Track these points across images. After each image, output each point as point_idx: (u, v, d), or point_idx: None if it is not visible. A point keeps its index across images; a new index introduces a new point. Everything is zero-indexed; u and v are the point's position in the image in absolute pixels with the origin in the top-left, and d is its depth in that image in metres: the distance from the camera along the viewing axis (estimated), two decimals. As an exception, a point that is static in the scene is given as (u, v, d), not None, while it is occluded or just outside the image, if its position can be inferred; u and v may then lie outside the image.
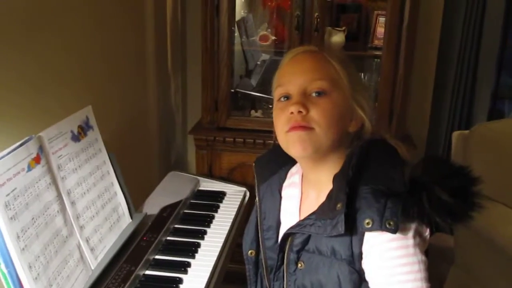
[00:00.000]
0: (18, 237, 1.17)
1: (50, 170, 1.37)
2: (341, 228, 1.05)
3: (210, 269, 1.61)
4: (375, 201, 1.03)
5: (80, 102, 1.63)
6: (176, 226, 1.84)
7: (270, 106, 2.77)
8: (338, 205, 1.06)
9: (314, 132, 1.12)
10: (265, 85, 2.87)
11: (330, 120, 1.13)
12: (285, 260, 1.23)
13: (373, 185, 1.04)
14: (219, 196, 2.10)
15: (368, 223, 1.02)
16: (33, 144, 1.30)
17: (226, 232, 1.83)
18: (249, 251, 1.31)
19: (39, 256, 1.23)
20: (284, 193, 1.28)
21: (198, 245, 1.72)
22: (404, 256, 1.02)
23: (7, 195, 1.17)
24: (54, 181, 1.37)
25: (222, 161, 2.67)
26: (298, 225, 1.17)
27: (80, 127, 1.55)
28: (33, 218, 1.24)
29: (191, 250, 1.69)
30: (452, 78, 2.91)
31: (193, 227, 1.84)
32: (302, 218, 1.19)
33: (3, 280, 1.13)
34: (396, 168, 1.06)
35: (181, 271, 1.58)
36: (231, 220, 1.92)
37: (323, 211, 1.12)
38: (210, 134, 2.63)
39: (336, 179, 1.13)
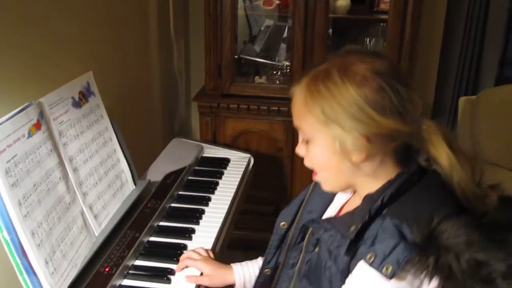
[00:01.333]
0: (20, 204, 1.16)
1: (51, 137, 1.35)
2: (342, 252, 1.04)
3: (214, 235, 1.60)
4: (387, 238, 0.97)
5: (81, 68, 1.60)
6: (180, 192, 1.83)
7: (274, 72, 2.75)
8: (352, 228, 1.03)
9: (319, 176, 1.14)
10: (269, 51, 2.84)
11: (322, 166, 1.11)
12: (305, 240, 1.23)
13: (396, 221, 0.98)
14: (223, 162, 2.08)
15: (370, 258, 0.99)
16: (33, 110, 1.28)
17: (230, 198, 1.82)
18: (282, 223, 1.29)
19: (41, 223, 1.22)
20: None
21: (203, 211, 1.72)
22: None
23: (8, 161, 1.15)
24: (55, 148, 1.36)
25: (226, 128, 2.65)
26: (316, 222, 1.16)
27: (81, 93, 1.52)
28: (34, 185, 1.23)
29: (196, 216, 1.68)
30: (459, 43, 2.87)
31: (197, 193, 1.83)
32: (336, 215, 1.18)
33: (5, 247, 1.12)
34: (432, 213, 0.97)
35: (186, 237, 1.57)
36: (236, 187, 1.91)
37: (341, 222, 1.09)
38: (214, 100, 2.61)
39: (365, 200, 1.08)
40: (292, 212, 1.29)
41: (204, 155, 2.16)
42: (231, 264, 1.44)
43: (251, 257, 1.45)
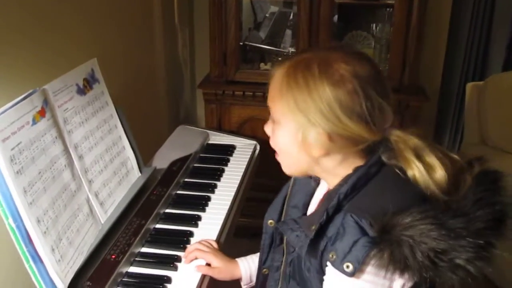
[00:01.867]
0: (25, 191, 1.15)
1: (55, 124, 1.34)
2: (303, 251, 1.04)
3: (220, 222, 1.60)
4: (347, 235, 0.97)
5: (84, 56, 1.59)
6: (186, 180, 1.83)
7: (280, 58, 2.73)
8: (312, 227, 1.03)
9: (279, 157, 1.13)
10: (274, 37, 2.82)
11: (283, 151, 1.11)
12: (284, 241, 1.23)
13: (355, 217, 0.97)
14: (229, 149, 2.07)
15: (332, 256, 0.99)
16: (38, 97, 1.28)
17: (236, 185, 1.81)
18: (270, 221, 1.28)
19: (47, 210, 1.21)
20: (322, 180, 1.24)
21: (209, 198, 1.71)
22: None
23: (12, 149, 1.14)
24: (60, 135, 1.35)
25: (232, 115, 2.64)
26: (285, 223, 1.15)
27: (85, 80, 1.51)
28: (40, 172, 1.22)
29: (201, 203, 1.67)
30: (467, 28, 2.83)
31: (203, 180, 1.83)
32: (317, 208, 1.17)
33: (11, 235, 1.12)
34: (386, 206, 0.96)
35: (192, 224, 1.57)
36: (242, 174, 1.90)
37: (306, 221, 1.08)
38: (219, 87, 2.60)
39: (324, 198, 1.09)
40: (277, 209, 1.28)
41: (210, 142, 2.15)
42: (236, 259, 1.43)
43: (257, 244, 1.44)
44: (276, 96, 1.06)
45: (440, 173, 0.99)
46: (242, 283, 1.43)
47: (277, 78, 1.06)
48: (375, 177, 1.04)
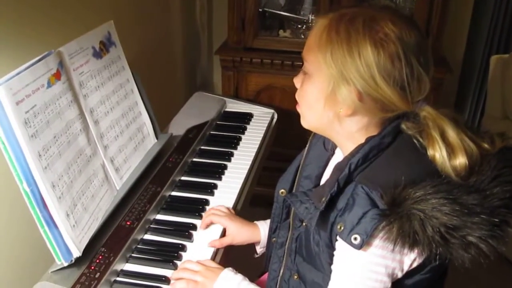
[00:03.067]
0: (40, 155, 1.13)
1: (71, 87, 1.31)
2: (313, 223, 1.02)
3: (236, 191, 1.57)
4: (356, 206, 0.94)
5: (100, 19, 1.54)
6: (202, 147, 1.80)
7: (299, 26, 2.67)
8: (322, 199, 1.00)
9: (301, 109, 1.11)
10: (294, 4, 2.75)
11: (307, 104, 1.08)
12: (291, 216, 1.21)
13: (367, 188, 0.95)
14: (246, 117, 2.04)
15: (340, 228, 0.96)
16: (53, 59, 1.24)
17: (253, 154, 1.79)
18: (281, 190, 1.26)
19: (62, 175, 1.19)
20: (337, 150, 1.21)
21: (225, 167, 1.69)
22: (358, 272, 0.97)
23: (27, 112, 1.12)
24: (75, 99, 1.32)
25: (249, 82, 2.60)
26: (294, 195, 1.13)
27: (102, 43, 1.48)
28: (55, 137, 1.20)
29: (218, 172, 1.65)
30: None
31: (219, 148, 1.80)
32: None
33: (26, 199, 1.11)
34: (399, 178, 0.93)
35: (208, 192, 1.55)
36: (259, 142, 1.87)
37: (316, 194, 1.06)
38: (237, 54, 2.55)
39: (334, 169, 1.05)
40: (289, 179, 1.26)
41: (227, 109, 2.12)
42: (256, 222, 1.41)
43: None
44: (313, 46, 1.03)
45: (461, 160, 0.95)
46: (258, 247, 1.41)
47: (318, 28, 1.02)
48: (389, 147, 1.01)
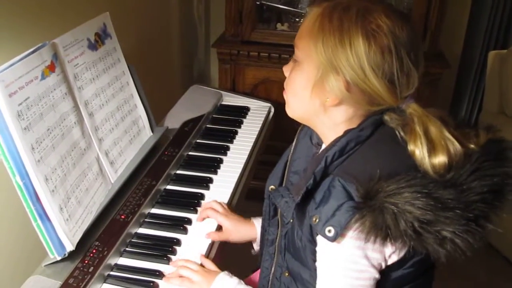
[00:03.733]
0: (33, 148, 1.12)
1: (65, 79, 1.30)
2: (289, 216, 1.03)
3: (232, 185, 1.57)
4: (332, 199, 0.94)
5: (96, 10, 1.53)
6: (198, 141, 1.79)
7: (297, 19, 2.65)
8: (300, 192, 1.00)
9: (287, 97, 1.10)
10: (292, -3, 2.74)
11: (294, 91, 1.07)
12: (278, 212, 1.20)
13: (343, 180, 0.94)
14: (243, 111, 2.03)
15: (315, 220, 0.96)
16: (47, 50, 1.23)
17: (249, 148, 1.78)
18: (271, 186, 1.25)
19: (55, 169, 1.18)
20: (323, 144, 1.20)
21: (221, 160, 1.68)
22: (339, 265, 0.97)
23: (20, 104, 1.10)
24: (70, 91, 1.31)
25: (246, 76, 2.58)
26: (276, 190, 1.13)
27: (97, 34, 1.46)
28: (48, 129, 1.19)
29: (213, 165, 1.64)
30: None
31: (215, 142, 1.79)
32: None
33: (19, 193, 1.09)
34: (374, 171, 0.92)
35: (203, 186, 1.54)
36: (255, 136, 1.86)
37: (295, 188, 1.05)
38: (234, 47, 2.53)
39: (312, 161, 1.05)
40: (278, 175, 1.25)
41: (223, 103, 2.10)
42: (251, 218, 1.40)
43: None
44: (305, 34, 1.02)
45: (440, 159, 0.94)
46: (255, 244, 1.41)
47: (312, 16, 1.02)
48: (367, 140, 1.01)
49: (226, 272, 1.22)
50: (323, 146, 1.16)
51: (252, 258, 1.43)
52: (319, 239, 0.99)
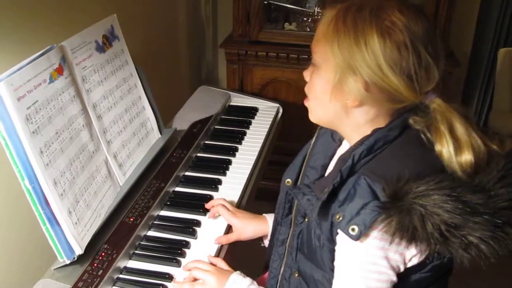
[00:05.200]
0: (42, 152, 1.12)
1: (74, 82, 1.29)
2: (314, 214, 1.00)
3: (241, 187, 1.56)
4: (357, 197, 0.93)
5: (104, 12, 1.53)
6: (207, 142, 1.79)
7: (305, 18, 2.65)
8: (325, 190, 0.98)
9: (308, 103, 1.09)
10: (300, -4, 2.73)
11: (315, 96, 1.06)
12: (293, 211, 1.19)
13: (369, 180, 0.93)
14: (251, 111, 2.02)
15: (338, 218, 0.95)
16: (55, 54, 1.23)
17: (258, 149, 1.77)
18: (287, 180, 1.24)
19: (64, 172, 1.18)
20: (344, 141, 1.19)
21: (229, 162, 1.67)
22: (359, 265, 0.96)
23: (28, 108, 1.10)
24: (78, 94, 1.31)
25: (254, 76, 2.58)
26: (297, 188, 1.11)
27: (105, 36, 1.46)
28: (57, 133, 1.19)
29: (222, 167, 1.64)
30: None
31: (224, 143, 1.78)
32: None
33: (28, 197, 1.09)
34: (403, 171, 0.91)
35: (212, 188, 1.53)
36: (264, 137, 1.85)
37: (318, 185, 1.04)
38: (242, 47, 2.53)
39: (338, 160, 1.03)
40: (295, 169, 1.24)
41: (232, 103, 2.10)
42: (264, 215, 1.40)
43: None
44: (321, 37, 1.01)
45: (466, 157, 0.93)
46: (266, 240, 1.39)
47: (326, 19, 1.01)
48: (395, 141, 1.00)
49: (238, 272, 1.21)
50: (344, 144, 1.16)
51: (262, 256, 1.41)
52: (340, 238, 0.98)
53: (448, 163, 0.94)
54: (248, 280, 1.19)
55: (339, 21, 0.97)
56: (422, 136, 0.98)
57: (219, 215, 1.41)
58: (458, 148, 0.93)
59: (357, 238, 0.91)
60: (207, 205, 1.42)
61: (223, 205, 1.41)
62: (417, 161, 0.96)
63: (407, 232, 0.88)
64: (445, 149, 0.94)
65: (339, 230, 0.97)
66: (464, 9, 2.80)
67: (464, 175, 0.92)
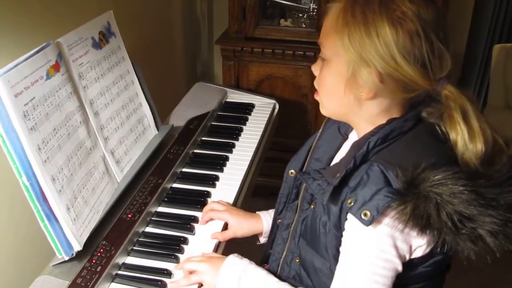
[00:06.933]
0: (39, 148, 1.12)
1: (70, 79, 1.29)
2: (325, 198, 1.00)
3: (238, 183, 1.56)
4: (370, 183, 0.93)
5: (99, 9, 1.53)
6: (204, 138, 1.79)
7: (301, 15, 2.64)
8: (337, 175, 0.99)
9: (320, 97, 1.09)
10: (296, -8, 2.73)
11: (326, 90, 1.07)
12: (300, 197, 1.19)
13: (382, 167, 0.93)
14: (248, 108, 2.02)
15: (350, 203, 0.95)
16: (52, 50, 1.22)
17: (255, 145, 1.77)
18: (291, 171, 1.24)
19: (62, 169, 1.18)
20: (351, 135, 1.20)
21: (226, 158, 1.67)
22: (368, 251, 0.95)
23: (26, 104, 1.10)
24: (75, 91, 1.30)
25: (250, 72, 2.58)
26: (307, 173, 1.11)
27: (101, 33, 1.46)
28: (54, 129, 1.18)
29: (219, 163, 1.64)
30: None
31: (221, 139, 1.79)
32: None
33: (26, 193, 1.09)
34: (419, 160, 0.92)
35: (209, 184, 1.53)
36: (260, 133, 1.85)
37: (330, 171, 1.04)
38: (238, 44, 2.52)
39: (352, 147, 1.04)
40: (300, 160, 1.24)
41: (228, 100, 2.10)
42: (258, 212, 1.40)
43: (274, 203, 1.40)
44: (330, 31, 1.01)
45: (478, 146, 0.94)
46: (261, 237, 1.40)
47: (333, 13, 1.01)
48: (408, 132, 1.00)
49: (235, 254, 1.20)
50: (351, 137, 1.17)
51: (260, 252, 1.42)
52: (349, 223, 0.98)
53: (462, 152, 0.95)
54: (245, 260, 1.17)
55: (347, 13, 0.97)
56: (437, 128, 0.99)
57: (211, 219, 1.40)
58: (472, 135, 0.95)
59: (369, 223, 0.92)
60: (200, 223, 1.39)
61: (213, 210, 1.40)
62: (432, 152, 0.96)
63: (421, 220, 0.89)
64: (460, 136, 0.95)
65: (349, 215, 0.97)
66: (459, 5, 2.81)
67: (478, 165, 0.93)
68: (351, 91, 1.01)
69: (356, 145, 1.02)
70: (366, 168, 0.96)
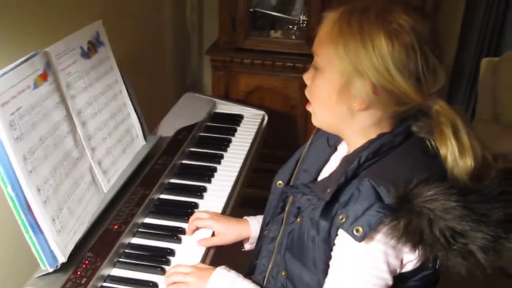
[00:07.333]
0: (25, 158, 1.11)
1: (58, 88, 1.28)
2: (317, 214, 0.99)
3: (226, 194, 1.56)
4: (362, 199, 0.93)
5: (88, 18, 1.52)
6: (192, 149, 1.78)
7: (291, 26, 2.66)
8: (328, 190, 0.98)
9: (312, 107, 1.09)
10: (285, 4, 2.74)
11: (319, 100, 1.06)
12: (286, 210, 1.18)
13: (373, 182, 0.93)
14: (237, 119, 2.02)
15: (341, 219, 0.94)
16: (39, 59, 1.22)
17: (243, 156, 1.77)
18: (278, 182, 1.24)
19: (48, 179, 1.17)
20: (340, 147, 1.19)
21: (215, 169, 1.67)
22: (359, 267, 0.95)
23: (12, 114, 1.09)
24: (63, 100, 1.29)
25: (239, 83, 2.58)
26: (295, 187, 1.11)
27: (90, 42, 1.45)
28: (40, 139, 1.17)
29: (207, 174, 1.63)
30: (484, 3, 2.75)
31: (209, 150, 1.78)
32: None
33: (11, 204, 1.08)
34: (411, 175, 0.91)
35: (197, 195, 1.53)
36: (249, 144, 1.85)
37: (319, 186, 1.04)
38: (227, 55, 2.53)
39: (342, 161, 1.04)
40: (288, 171, 1.23)
41: (217, 110, 2.10)
42: (245, 217, 1.39)
43: (262, 213, 1.39)
44: (324, 40, 1.01)
45: (468, 161, 0.94)
46: (247, 244, 1.39)
47: (329, 22, 1.01)
48: (398, 147, 1.00)
49: (223, 267, 1.18)
50: (340, 149, 1.16)
51: (248, 261, 1.41)
52: (340, 239, 0.97)
53: (452, 168, 0.95)
54: (232, 273, 1.17)
55: (343, 23, 0.97)
56: (427, 143, 0.99)
57: (198, 228, 1.39)
58: (462, 151, 0.95)
59: (361, 239, 0.91)
60: (187, 233, 1.38)
61: (198, 218, 1.39)
62: (423, 167, 0.96)
63: (414, 235, 0.89)
64: (450, 152, 0.95)
65: (340, 231, 0.96)
66: (448, 19, 2.83)
67: (468, 181, 0.94)
68: (343, 101, 1.00)
69: (347, 160, 1.01)
70: (357, 184, 0.95)
